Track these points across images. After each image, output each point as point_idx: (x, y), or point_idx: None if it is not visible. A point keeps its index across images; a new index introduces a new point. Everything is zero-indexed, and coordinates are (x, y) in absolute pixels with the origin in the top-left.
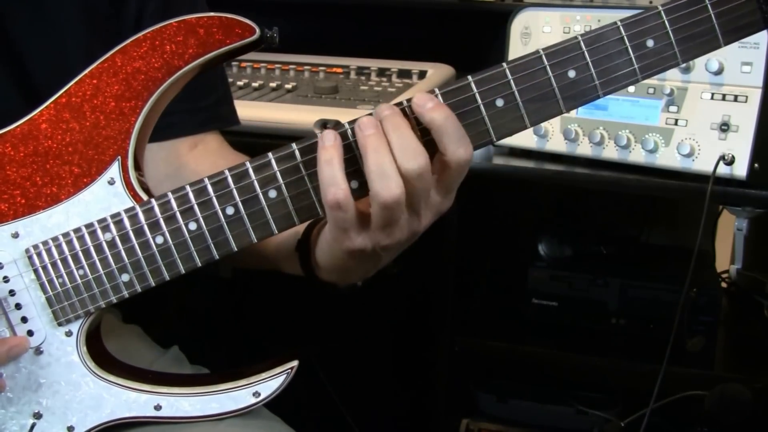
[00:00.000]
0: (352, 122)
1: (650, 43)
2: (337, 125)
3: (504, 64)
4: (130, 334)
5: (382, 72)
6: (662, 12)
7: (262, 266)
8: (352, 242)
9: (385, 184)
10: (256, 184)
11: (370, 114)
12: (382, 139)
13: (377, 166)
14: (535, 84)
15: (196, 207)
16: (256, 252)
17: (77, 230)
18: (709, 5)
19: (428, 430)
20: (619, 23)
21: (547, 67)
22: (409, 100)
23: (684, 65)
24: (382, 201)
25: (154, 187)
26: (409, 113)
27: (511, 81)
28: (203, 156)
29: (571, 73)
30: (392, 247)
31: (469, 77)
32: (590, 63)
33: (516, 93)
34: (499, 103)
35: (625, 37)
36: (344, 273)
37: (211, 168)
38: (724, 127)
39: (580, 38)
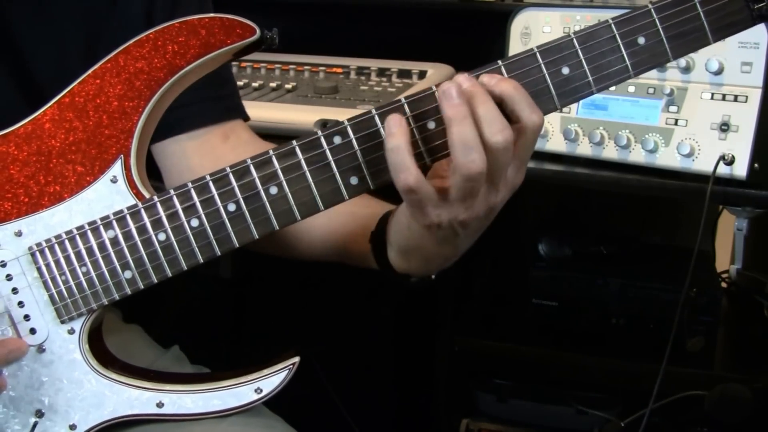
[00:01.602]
0: (350, 120)
1: (641, 40)
2: (336, 125)
3: (499, 62)
4: (130, 333)
5: (382, 72)
6: (653, 10)
7: (325, 259)
8: (429, 218)
9: (471, 157)
10: (257, 181)
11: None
12: (467, 111)
13: (461, 137)
14: (530, 81)
15: (198, 204)
16: (323, 244)
17: (80, 228)
18: (697, 4)
19: (428, 430)
20: (611, 21)
21: (542, 65)
22: (409, 101)
23: (684, 65)
24: (466, 173)
25: (190, 179)
26: (413, 122)
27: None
28: (240, 147)
29: (565, 70)
30: (470, 223)
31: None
32: (583, 60)
33: None
34: None
35: (617, 35)
36: (421, 256)
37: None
38: (724, 127)
39: (573, 36)
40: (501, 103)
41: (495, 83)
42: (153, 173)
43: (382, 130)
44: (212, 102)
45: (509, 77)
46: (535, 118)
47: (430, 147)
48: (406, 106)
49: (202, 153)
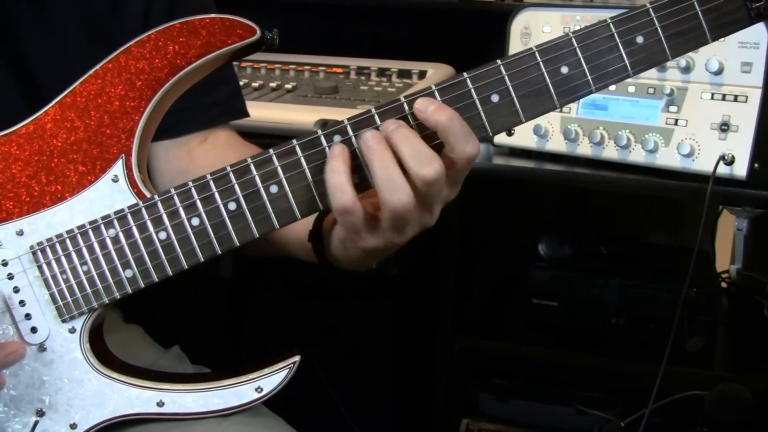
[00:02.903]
0: (350, 119)
1: (640, 39)
2: (336, 124)
3: (498, 61)
4: (131, 334)
5: (382, 72)
6: (651, 10)
7: (277, 255)
8: (364, 242)
9: (395, 193)
10: (257, 179)
11: (375, 127)
12: (387, 150)
13: (384, 175)
14: (529, 79)
15: (198, 202)
16: (271, 242)
17: (81, 227)
18: (695, 3)
19: (428, 430)
20: (609, 20)
21: (540, 63)
22: (409, 101)
23: (684, 65)
24: (392, 209)
25: (168, 182)
26: (411, 120)
27: (506, 77)
28: (212, 149)
29: (564, 69)
30: (404, 242)
31: (465, 74)
32: (582, 59)
33: (510, 88)
34: (495, 98)
35: (615, 34)
36: (359, 263)
37: (221, 160)
38: (724, 127)
39: (571, 35)
40: (435, 133)
41: (429, 113)
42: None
43: None
44: (200, 110)
45: (509, 74)
46: (469, 149)
47: (432, 145)
48: (405, 106)
49: (181, 156)
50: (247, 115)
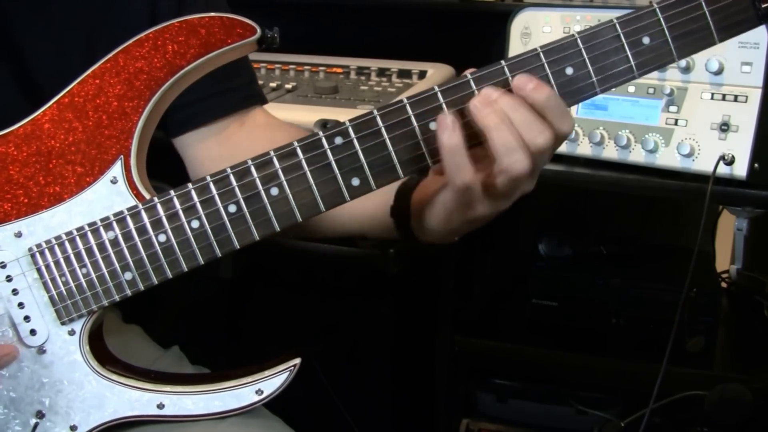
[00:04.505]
0: (352, 120)
1: (646, 40)
2: (337, 125)
3: (502, 62)
4: (130, 334)
5: (382, 72)
6: (657, 10)
7: (337, 233)
8: (475, 212)
9: (515, 159)
10: (257, 181)
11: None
12: (505, 117)
13: (504, 142)
14: None
15: (198, 205)
16: (333, 220)
17: (80, 229)
18: (703, 3)
19: (428, 430)
20: (615, 21)
21: (545, 65)
22: (412, 102)
23: (684, 65)
24: (513, 175)
25: (210, 169)
26: (416, 121)
27: (510, 78)
28: (255, 130)
29: (569, 71)
30: (506, 208)
31: (468, 75)
32: (587, 60)
33: None
34: None
35: (621, 35)
36: (452, 235)
37: (268, 141)
38: (724, 127)
39: (577, 36)
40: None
41: (528, 91)
42: (155, 173)
43: (383, 130)
44: (228, 93)
45: (513, 75)
46: (565, 127)
47: (433, 148)
48: (408, 107)
49: (221, 142)
50: (266, 101)
